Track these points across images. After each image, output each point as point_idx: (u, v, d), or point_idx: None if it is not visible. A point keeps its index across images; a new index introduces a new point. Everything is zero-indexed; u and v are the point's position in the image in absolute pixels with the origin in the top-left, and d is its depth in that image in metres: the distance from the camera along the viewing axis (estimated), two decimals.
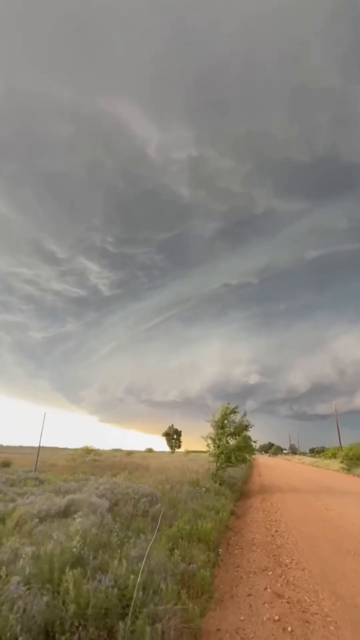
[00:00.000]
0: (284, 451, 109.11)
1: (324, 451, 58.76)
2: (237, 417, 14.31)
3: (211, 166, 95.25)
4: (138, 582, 3.19)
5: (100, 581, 3.10)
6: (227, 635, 3.27)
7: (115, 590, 3.09)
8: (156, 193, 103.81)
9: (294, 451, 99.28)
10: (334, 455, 39.33)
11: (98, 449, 39.02)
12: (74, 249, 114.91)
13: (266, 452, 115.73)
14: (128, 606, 3.04)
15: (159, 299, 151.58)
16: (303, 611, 3.64)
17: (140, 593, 3.21)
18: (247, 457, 14.93)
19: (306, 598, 3.95)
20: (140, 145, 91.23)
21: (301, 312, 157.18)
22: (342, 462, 28.60)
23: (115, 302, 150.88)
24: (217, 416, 14.39)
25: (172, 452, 67.10)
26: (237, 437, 14.06)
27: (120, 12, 60.66)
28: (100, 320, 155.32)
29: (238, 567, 5.14)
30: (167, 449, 72.04)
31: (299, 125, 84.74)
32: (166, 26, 65.31)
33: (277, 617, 3.51)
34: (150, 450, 67.91)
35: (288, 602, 3.85)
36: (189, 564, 4.36)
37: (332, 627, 3.30)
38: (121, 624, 2.75)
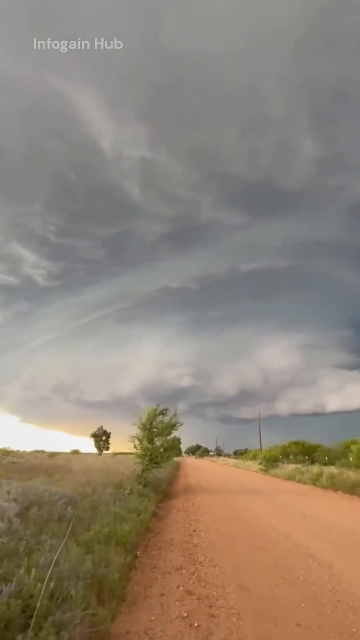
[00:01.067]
0: (210, 453, 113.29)
1: (246, 453, 62.33)
2: (165, 418, 14.57)
3: (162, 170, 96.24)
4: (45, 590, 3.03)
5: (1, 592, 2.88)
6: (136, 636, 3.27)
7: (19, 600, 2.90)
8: (105, 187, 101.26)
9: (219, 453, 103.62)
10: (254, 457, 41.94)
11: (18, 451, 36.27)
12: (8, 234, 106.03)
13: (193, 453, 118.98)
14: (33, 616, 2.87)
15: (97, 295, 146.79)
16: (210, 606, 3.80)
17: (48, 601, 3.06)
18: (173, 457, 15.26)
19: (214, 593, 4.14)
20: (93, 134, 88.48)
21: (235, 321, 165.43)
22: (260, 463, 30.62)
23: (50, 294, 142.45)
24: (144, 418, 14.45)
25: (100, 454, 65.34)
26: (163, 437, 14.30)
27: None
28: (33, 312, 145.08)
29: (154, 567, 5.18)
30: (95, 450, 69.96)
31: (247, 147, 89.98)
32: (140, 23, 64.54)
33: (185, 614, 3.61)
34: (76, 452, 65.13)
35: (198, 599, 3.99)
36: (104, 568, 4.28)
37: (234, 619, 3.50)
38: (20, 636, 2.58)
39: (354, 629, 3.34)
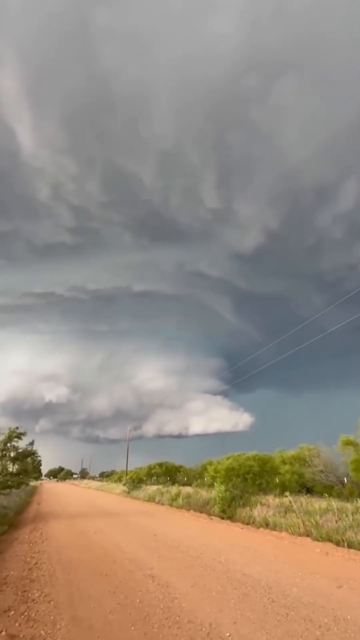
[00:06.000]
0: (74, 475, 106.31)
1: (112, 475, 60.91)
2: (22, 443, 13.28)
3: (75, 180, 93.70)
4: None
5: None
6: None
7: None
8: (11, 179, 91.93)
9: (83, 475, 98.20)
10: (119, 479, 41.33)
11: None
12: None
13: (55, 476, 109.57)
14: None
15: None
16: None
17: None
18: (28, 483, 13.94)
19: (42, 632, 3.83)
20: (9, 121, 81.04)
21: (118, 338, 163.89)
22: (125, 484, 30.37)
23: None
24: (2, 438, 12.84)
25: None
26: (18, 462, 12.92)
27: None
28: None
29: None
30: None
31: (163, 182, 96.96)
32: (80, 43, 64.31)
33: None
34: None
35: None
36: None
37: None
38: None
39: None
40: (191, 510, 15.24)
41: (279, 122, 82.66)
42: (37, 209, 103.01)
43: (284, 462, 14.84)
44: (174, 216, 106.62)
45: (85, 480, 77.40)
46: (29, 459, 13.71)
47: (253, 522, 11.10)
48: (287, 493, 11.26)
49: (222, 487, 13.06)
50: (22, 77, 74.04)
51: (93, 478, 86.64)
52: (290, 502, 10.75)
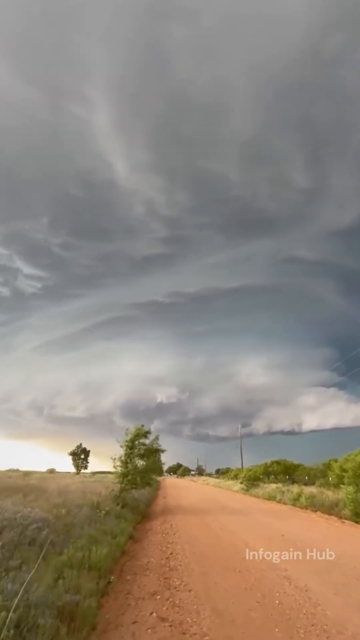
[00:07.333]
0: (192, 472, 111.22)
1: (228, 472, 61.56)
2: (147, 440, 14.40)
3: (166, 194, 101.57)
4: (11, 618, 2.92)
5: None
6: None
7: None
8: (111, 203, 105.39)
9: (200, 472, 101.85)
10: (235, 477, 41.51)
11: None
12: (10, 246, 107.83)
13: (174, 472, 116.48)
14: None
15: (81, 307, 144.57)
16: (183, 633, 3.72)
17: (14, 631, 2.94)
18: (155, 478, 15.08)
19: (188, 619, 4.05)
20: (105, 154, 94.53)
21: (218, 337, 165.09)
22: (242, 482, 30.33)
23: (31, 305, 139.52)
24: (130, 436, 14.21)
25: (78, 473, 63.13)
26: (145, 458, 14.06)
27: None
28: (11, 322, 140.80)
29: (128, 593, 5.03)
30: (72, 469, 67.64)
31: (248, 174, 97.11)
32: (156, 63, 70.67)
33: None
34: (52, 471, 62.58)
35: (171, 626, 3.90)
36: (75, 594, 4.14)
37: None
38: None
39: None
40: (318, 512, 14.26)
41: None
42: (134, 226, 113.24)
43: None
44: (262, 206, 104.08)
45: (203, 477, 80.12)
46: (155, 456, 14.81)
47: None
48: None
49: (351, 488, 11.85)
50: (111, 113, 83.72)
51: (209, 475, 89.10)
52: None
